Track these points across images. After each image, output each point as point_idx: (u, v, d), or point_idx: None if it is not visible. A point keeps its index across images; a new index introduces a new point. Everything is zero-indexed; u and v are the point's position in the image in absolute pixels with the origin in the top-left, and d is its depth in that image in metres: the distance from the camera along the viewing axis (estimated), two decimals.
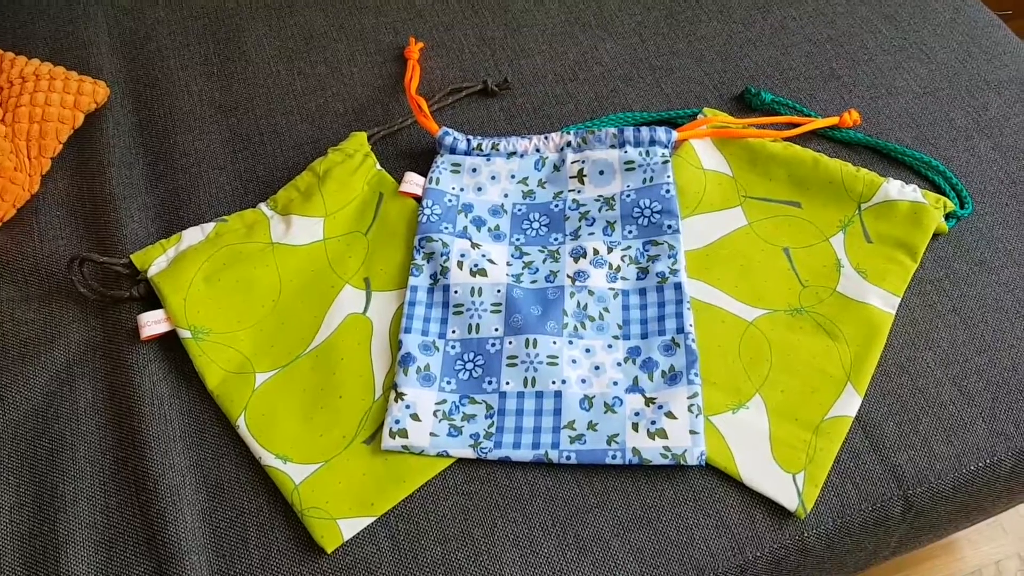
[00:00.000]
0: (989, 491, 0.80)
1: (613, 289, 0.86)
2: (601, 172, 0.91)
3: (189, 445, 0.79)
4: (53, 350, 0.84)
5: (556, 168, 0.93)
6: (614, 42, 1.06)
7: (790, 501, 0.74)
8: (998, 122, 0.96)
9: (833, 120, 0.95)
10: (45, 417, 0.81)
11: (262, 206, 0.90)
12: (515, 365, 0.81)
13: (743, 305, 0.84)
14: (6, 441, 0.79)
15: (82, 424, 0.80)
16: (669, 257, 0.86)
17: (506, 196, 0.92)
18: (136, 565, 0.74)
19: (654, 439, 0.76)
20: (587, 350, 0.82)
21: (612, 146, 0.92)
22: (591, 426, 0.78)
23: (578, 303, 0.84)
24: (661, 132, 0.91)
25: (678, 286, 0.84)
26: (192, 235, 0.88)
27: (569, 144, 0.93)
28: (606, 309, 0.84)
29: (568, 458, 0.76)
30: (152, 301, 0.86)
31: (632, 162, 0.91)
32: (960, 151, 0.94)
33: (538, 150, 0.94)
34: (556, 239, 0.89)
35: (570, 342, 0.82)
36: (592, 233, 0.88)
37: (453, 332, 0.84)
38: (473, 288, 0.85)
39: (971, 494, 0.79)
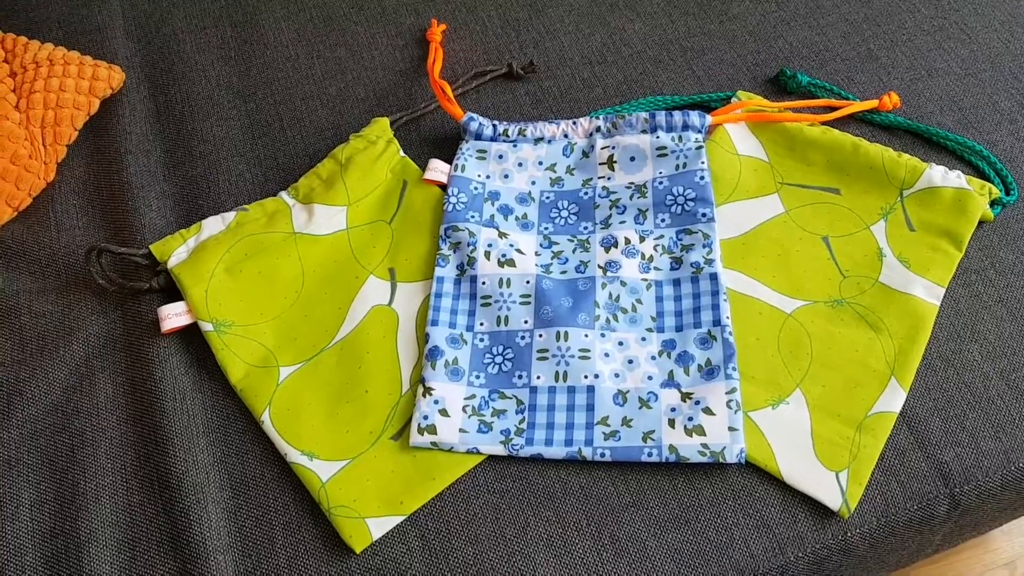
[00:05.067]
0: None
1: (646, 280, 0.83)
2: (632, 158, 0.88)
3: (213, 441, 0.77)
4: (72, 343, 0.82)
5: (585, 154, 0.90)
6: (643, 23, 1.03)
7: (833, 500, 0.72)
8: None
9: (872, 103, 0.92)
10: (65, 412, 0.79)
11: (283, 194, 0.88)
12: (546, 359, 0.78)
13: (781, 296, 0.81)
14: (26, 437, 0.78)
15: (102, 419, 0.79)
16: (704, 246, 0.83)
17: (534, 183, 0.90)
18: (160, 565, 0.72)
19: (691, 436, 0.74)
20: (620, 343, 0.80)
21: (643, 131, 0.89)
22: (626, 422, 0.75)
23: (610, 294, 0.82)
24: (694, 116, 0.88)
25: (714, 276, 0.81)
26: (212, 224, 0.86)
27: (598, 129, 0.90)
28: (639, 301, 0.82)
29: (602, 455, 0.74)
30: (172, 292, 0.84)
31: (664, 148, 0.88)
32: (1004, 135, 0.91)
33: (566, 135, 0.91)
34: (586, 228, 0.86)
35: (602, 335, 0.80)
36: (623, 222, 0.86)
37: (481, 324, 0.81)
38: (501, 279, 0.83)
39: (1020, 491, 0.77)
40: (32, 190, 0.90)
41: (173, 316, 0.81)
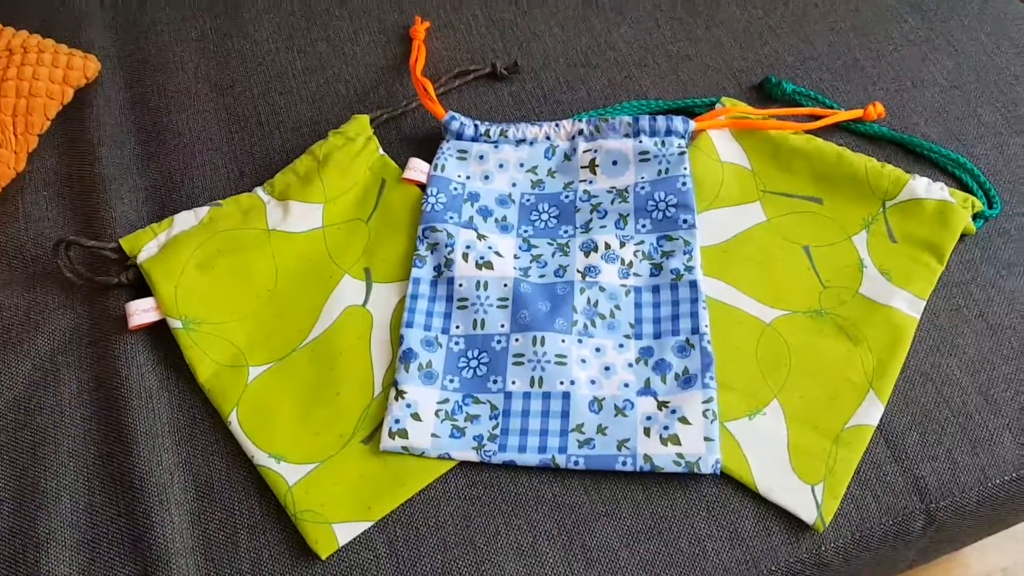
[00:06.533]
0: (1013, 505, 0.77)
1: (625, 286, 0.82)
2: (614, 162, 0.87)
3: (178, 441, 0.76)
4: (37, 338, 0.81)
5: (567, 157, 0.89)
6: (629, 26, 1.02)
7: (808, 514, 0.71)
8: None
9: (857, 113, 0.91)
10: (27, 408, 0.77)
11: (258, 190, 0.86)
12: (521, 364, 0.77)
13: (761, 305, 0.80)
14: None
15: (66, 417, 0.77)
16: (684, 253, 0.82)
17: (514, 185, 0.89)
18: (120, 567, 0.70)
19: (667, 445, 0.72)
20: (597, 349, 0.78)
21: (626, 135, 0.88)
22: (600, 430, 0.74)
23: (588, 300, 0.81)
24: (678, 122, 0.87)
25: (693, 284, 0.80)
26: (184, 219, 0.84)
27: (581, 132, 0.89)
28: (617, 307, 0.81)
29: (576, 463, 0.73)
30: (142, 288, 0.82)
31: (647, 152, 0.87)
32: (988, 148, 0.91)
33: (548, 138, 0.90)
34: (566, 232, 0.85)
35: (579, 341, 0.78)
36: (604, 226, 0.85)
37: (457, 328, 0.80)
38: (479, 282, 0.81)
39: (995, 508, 0.76)
40: (1, 180, 0.88)
41: (141, 312, 0.79)
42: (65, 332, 0.81)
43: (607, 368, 0.77)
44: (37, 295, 0.83)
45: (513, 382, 0.77)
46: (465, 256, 0.82)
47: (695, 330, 0.78)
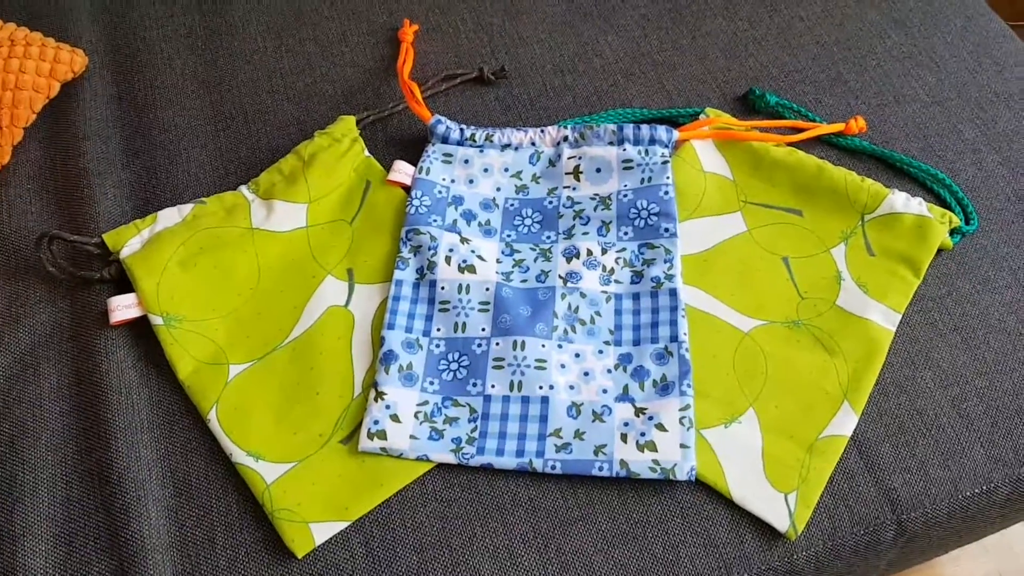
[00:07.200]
0: (984, 517, 0.78)
1: (606, 292, 0.82)
2: (598, 170, 0.88)
3: (157, 437, 0.76)
4: (17, 331, 0.81)
5: (552, 163, 0.90)
6: (616, 35, 1.02)
7: (781, 522, 0.72)
8: (1007, 136, 0.94)
9: (838, 126, 0.92)
10: (6, 401, 0.77)
11: (243, 189, 0.87)
12: (501, 368, 0.78)
13: (740, 315, 0.81)
14: None
15: (45, 410, 0.77)
16: (665, 261, 0.83)
17: (498, 190, 0.89)
18: (96, 562, 0.70)
19: (643, 451, 0.73)
20: (576, 355, 0.79)
21: (610, 143, 0.89)
22: (578, 435, 0.75)
23: (569, 305, 0.81)
24: (662, 131, 0.88)
25: (673, 292, 0.81)
26: (168, 216, 0.84)
27: (566, 139, 0.90)
28: (598, 313, 0.81)
29: (553, 468, 0.73)
30: (124, 284, 0.82)
31: (631, 161, 0.88)
32: (967, 165, 0.92)
33: (533, 143, 0.90)
34: (549, 237, 0.86)
35: (559, 346, 0.79)
36: (586, 233, 0.85)
37: (438, 330, 0.80)
38: (461, 285, 0.82)
39: (965, 520, 0.77)
40: None
41: (123, 308, 0.79)
42: (46, 326, 0.81)
43: (586, 373, 0.78)
44: (19, 288, 0.83)
45: (493, 386, 0.77)
46: (448, 259, 0.83)
47: (674, 338, 0.79)
